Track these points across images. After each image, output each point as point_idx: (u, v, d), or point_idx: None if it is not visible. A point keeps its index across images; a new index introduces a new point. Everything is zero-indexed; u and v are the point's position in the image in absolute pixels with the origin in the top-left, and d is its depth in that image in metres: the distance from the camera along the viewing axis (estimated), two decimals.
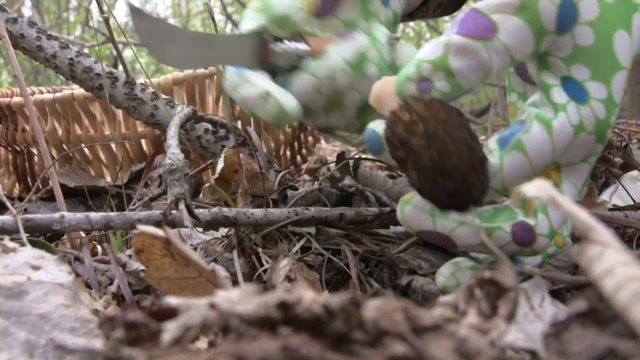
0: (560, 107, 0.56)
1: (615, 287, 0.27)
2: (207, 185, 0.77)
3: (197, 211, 0.69)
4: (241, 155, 0.81)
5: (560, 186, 0.59)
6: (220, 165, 0.77)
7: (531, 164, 0.56)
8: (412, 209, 0.58)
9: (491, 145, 0.57)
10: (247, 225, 0.73)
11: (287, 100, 0.64)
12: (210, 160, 0.97)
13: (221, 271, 0.66)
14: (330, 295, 0.31)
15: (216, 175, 0.76)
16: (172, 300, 0.31)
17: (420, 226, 0.58)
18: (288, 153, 1.30)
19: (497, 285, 0.34)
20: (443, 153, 0.50)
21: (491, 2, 0.54)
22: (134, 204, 0.91)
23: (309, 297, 0.30)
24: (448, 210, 0.54)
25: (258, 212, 0.73)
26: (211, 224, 0.72)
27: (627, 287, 0.27)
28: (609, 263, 0.29)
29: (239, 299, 0.31)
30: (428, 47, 0.55)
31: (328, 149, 2.06)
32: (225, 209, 0.72)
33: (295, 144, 1.32)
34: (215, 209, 0.71)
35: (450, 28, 0.55)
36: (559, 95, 0.57)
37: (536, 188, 0.33)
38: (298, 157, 1.34)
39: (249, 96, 0.64)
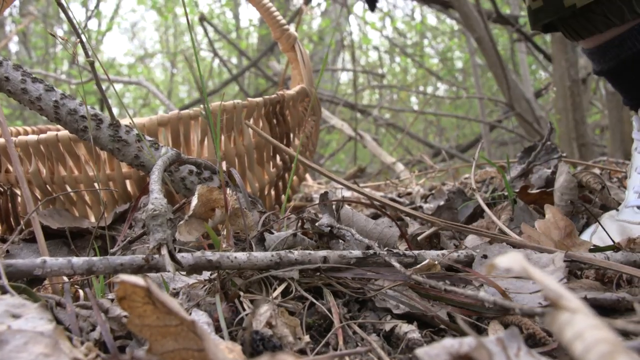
0: None
1: (584, 350, 0.28)
2: (181, 222, 0.77)
3: (179, 255, 0.70)
4: (228, 194, 0.81)
5: None
6: (194, 202, 0.77)
7: None
8: None
9: None
10: (231, 268, 0.73)
11: None
12: (184, 200, 0.97)
13: (203, 317, 0.66)
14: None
15: (190, 212, 0.76)
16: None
17: None
18: (273, 193, 1.31)
19: None
20: None
21: None
22: (118, 246, 0.91)
23: None
24: None
25: (241, 256, 0.73)
26: (194, 268, 0.72)
27: (595, 349, 0.28)
28: (579, 327, 0.30)
29: None
30: None
31: (314, 186, 2.07)
32: (208, 253, 0.72)
33: (280, 183, 1.32)
34: (198, 253, 0.72)
35: None
36: None
37: (508, 260, 0.34)
38: (282, 197, 1.35)
39: None
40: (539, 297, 0.71)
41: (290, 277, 0.73)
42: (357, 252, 0.79)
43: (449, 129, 7.39)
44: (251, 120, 1.17)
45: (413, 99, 8.55)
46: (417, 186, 2.12)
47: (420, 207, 1.48)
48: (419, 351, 0.43)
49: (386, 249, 0.80)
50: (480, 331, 0.72)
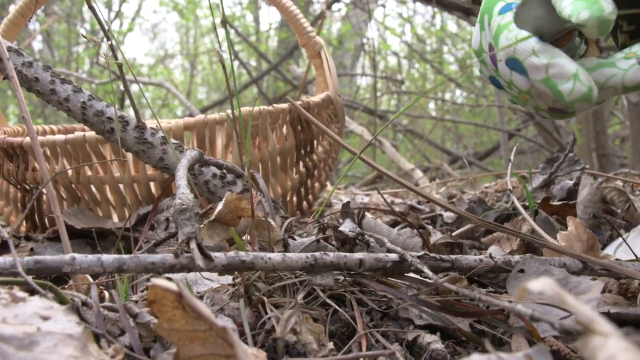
0: None
1: None
2: (203, 225, 0.77)
3: (213, 255, 0.69)
4: (254, 201, 0.81)
5: None
6: (219, 207, 0.77)
7: None
8: None
9: None
10: (265, 270, 0.72)
11: (592, 83, 0.75)
12: (211, 205, 0.98)
13: (228, 322, 0.66)
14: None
15: (213, 217, 0.76)
16: None
17: None
18: (295, 199, 1.31)
19: None
20: None
21: None
22: (141, 247, 0.92)
23: None
24: None
25: (276, 257, 0.72)
26: (227, 269, 0.70)
27: None
28: (611, 351, 0.30)
29: None
30: None
31: (335, 194, 2.07)
32: (242, 253, 0.71)
33: (302, 190, 1.33)
34: (231, 253, 0.70)
35: None
36: None
37: (542, 284, 0.34)
38: (304, 203, 1.35)
39: (561, 72, 0.75)
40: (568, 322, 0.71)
41: (324, 283, 0.72)
42: (393, 256, 0.77)
43: (466, 136, 7.36)
44: (276, 126, 1.18)
45: (431, 105, 8.54)
46: (437, 194, 2.12)
47: (440, 215, 1.47)
48: None
49: (417, 254, 0.79)
50: (502, 344, 0.72)
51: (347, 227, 0.88)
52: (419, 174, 2.45)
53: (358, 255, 0.76)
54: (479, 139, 7.31)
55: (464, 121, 4.98)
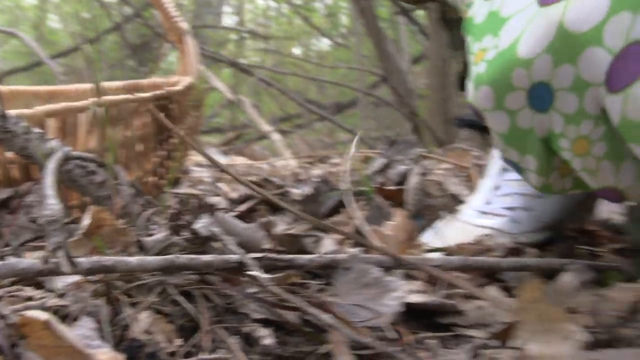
0: None
1: None
2: (71, 240, 0.86)
3: (77, 260, 0.78)
4: (117, 202, 0.90)
5: None
6: (85, 221, 0.86)
7: None
8: None
9: None
10: (125, 271, 0.83)
11: None
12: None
13: (89, 322, 0.76)
14: None
15: (80, 232, 0.86)
16: None
17: None
18: (154, 179, 1.39)
19: None
20: None
21: None
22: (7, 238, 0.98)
23: None
24: None
25: (134, 261, 0.83)
26: (90, 272, 0.81)
27: None
28: None
29: None
30: None
31: (194, 159, 2.13)
32: (104, 258, 0.81)
33: (163, 168, 1.41)
34: (95, 258, 0.81)
35: None
36: None
37: None
38: (163, 181, 1.44)
39: None
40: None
41: (174, 282, 0.84)
42: (237, 257, 0.90)
43: (329, 86, 7.54)
44: (136, 113, 1.25)
45: (296, 50, 8.65)
46: (291, 160, 2.26)
47: (288, 192, 1.61)
48: None
49: (255, 256, 0.92)
50: (324, 331, 0.86)
51: (201, 224, 0.99)
52: (276, 136, 2.57)
53: (207, 257, 0.89)
54: (341, 89, 7.53)
55: (323, 79, 5.13)
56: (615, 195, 0.83)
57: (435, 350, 0.82)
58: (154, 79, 1.58)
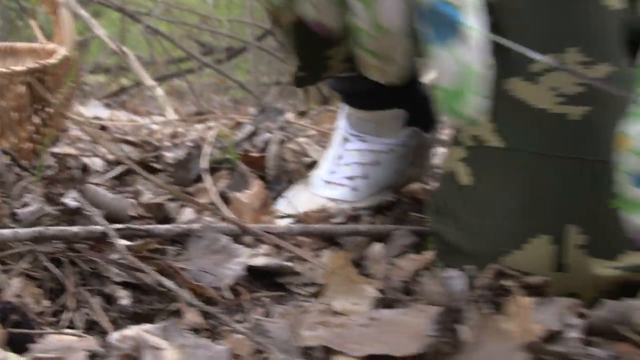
0: None
1: None
2: None
3: None
4: None
5: None
6: None
7: None
8: None
9: None
10: None
11: None
12: None
13: None
14: None
15: None
16: None
17: None
18: (31, 146, 1.48)
19: None
20: None
21: None
22: None
23: None
24: None
25: (8, 232, 0.94)
26: None
27: None
28: None
29: None
30: None
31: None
32: None
33: (37, 136, 1.50)
34: None
35: None
36: None
37: None
38: (38, 147, 1.52)
39: None
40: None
41: (45, 250, 0.98)
42: (101, 228, 1.04)
43: (222, 29, 7.47)
44: (11, 83, 1.34)
45: None
46: (170, 115, 2.36)
47: (162, 155, 1.72)
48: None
49: (117, 227, 1.06)
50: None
51: (69, 198, 1.12)
52: (159, 92, 2.65)
53: (74, 228, 1.02)
54: (234, 32, 7.47)
55: (208, 28, 5.11)
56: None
57: (269, 307, 0.99)
58: (31, 44, 1.65)
